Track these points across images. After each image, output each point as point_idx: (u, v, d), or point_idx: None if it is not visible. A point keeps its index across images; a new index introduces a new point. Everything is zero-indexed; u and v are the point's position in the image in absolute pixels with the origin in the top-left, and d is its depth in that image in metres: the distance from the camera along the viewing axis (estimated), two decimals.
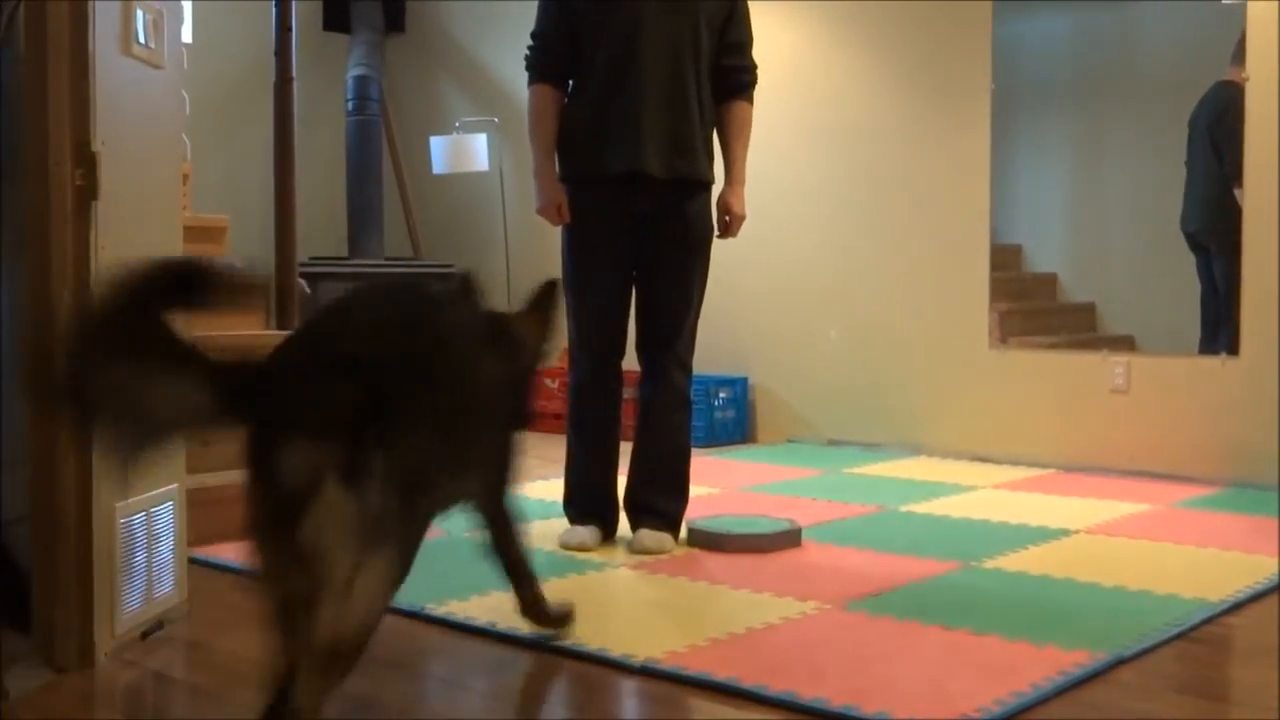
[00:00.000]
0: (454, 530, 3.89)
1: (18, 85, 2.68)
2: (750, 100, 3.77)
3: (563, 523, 3.77)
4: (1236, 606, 3.04)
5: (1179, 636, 2.79)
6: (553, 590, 3.16)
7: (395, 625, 2.90)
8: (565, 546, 3.63)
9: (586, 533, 3.67)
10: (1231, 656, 2.78)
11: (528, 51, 3.74)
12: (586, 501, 3.75)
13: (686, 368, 3.73)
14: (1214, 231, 5.15)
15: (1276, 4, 4.76)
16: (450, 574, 3.35)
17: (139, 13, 2.65)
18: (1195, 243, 5.26)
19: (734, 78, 3.71)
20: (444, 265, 7.02)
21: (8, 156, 2.85)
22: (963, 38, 5.57)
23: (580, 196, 3.66)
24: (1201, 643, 2.78)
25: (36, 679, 2.46)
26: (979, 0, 5.51)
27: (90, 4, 2.48)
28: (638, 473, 3.74)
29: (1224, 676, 2.70)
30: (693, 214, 3.65)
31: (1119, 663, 2.58)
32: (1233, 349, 4.91)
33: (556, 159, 3.68)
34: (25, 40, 2.55)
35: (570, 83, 3.70)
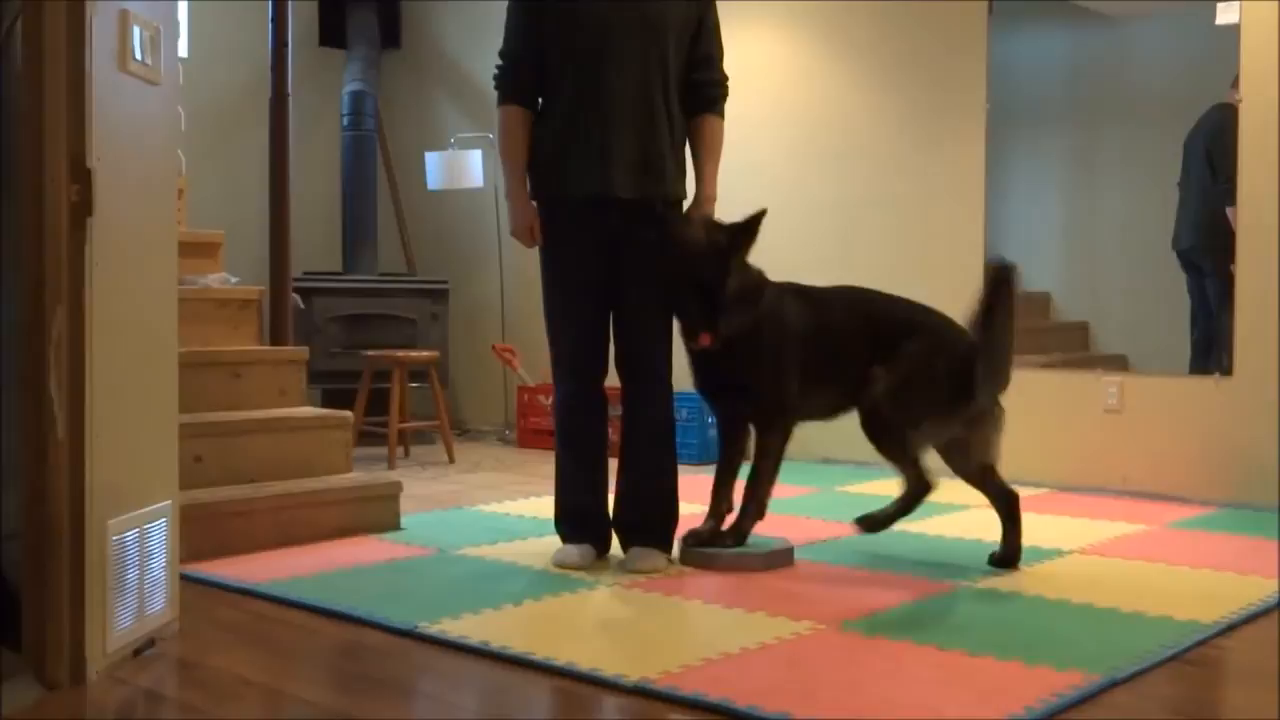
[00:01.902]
0: (446, 548, 3.89)
1: (14, 101, 2.69)
2: (721, 115, 3.73)
3: (555, 541, 3.76)
4: (1231, 628, 3.04)
5: (1173, 658, 2.78)
6: (544, 609, 3.17)
7: (387, 644, 2.90)
8: (557, 565, 3.62)
9: (578, 551, 3.66)
10: (1226, 679, 2.78)
11: (496, 71, 3.71)
12: (577, 520, 3.74)
13: (666, 385, 3.68)
14: (1207, 251, 5.17)
15: (1276, 26, 4.78)
16: (443, 592, 3.35)
17: (136, 29, 2.65)
18: (1188, 261, 5.27)
19: (704, 92, 3.68)
20: (438, 281, 7.02)
21: (3, 172, 2.85)
22: (958, 56, 5.59)
23: (552, 218, 3.64)
24: (1195, 665, 2.78)
25: (28, 696, 2.45)
26: (975, 20, 5.54)
27: (88, 20, 2.48)
28: (625, 492, 3.72)
29: (1218, 699, 2.70)
30: (657, 234, 3.58)
31: (1112, 685, 2.58)
32: (1226, 369, 4.92)
33: (528, 179, 3.66)
34: (22, 56, 2.55)
35: (540, 101, 3.68)
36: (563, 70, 3.57)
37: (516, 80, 3.67)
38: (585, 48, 3.54)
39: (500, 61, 3.71)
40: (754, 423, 3.72)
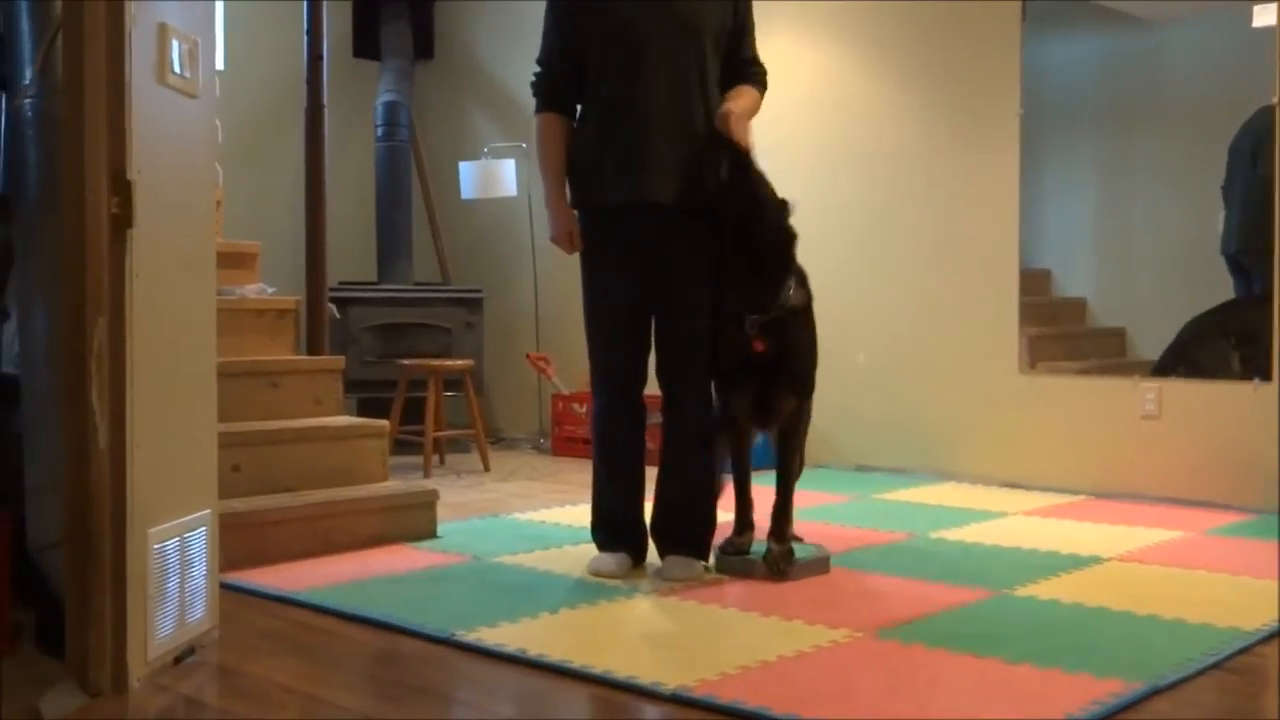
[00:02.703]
0: (482, 556, 3.90)
1: (55, 115, 2.72)
2: (760, 88, 3.72)
3: (591, 549, 3.76)
4: (1273, 635, 3.01)
5: (1214, 666, 2.76)
6: (581, 617, 3.17)
7: (424, 651, 2.91)
8: (593, 573, 3.62)
9: (614, 560, 3.65)
10: (1268, 687, 2.75)
11: (533, 79, 3.72)
12: (614, 529, 3.73)
13: (706, 393, 3.66)
14: (1255, 254, 5.11)
15: None
16: (480, 600, 3.36)
17: (174, 43, 2.67)
18: (1236, 265, 5.21)
19: (744, 70, 3.68)
20: (473, 290, 7.04)
21: (45, 185, 2.89)
22: (991, 62, 5.57)
23: (592, 225, 3.65)
24: (1237, 673, 2.76)
25: (71, 703, 2.47)
26: (1007, 23, 5.51)
27: (127, 34, 2.51)
28: (662, 501, 3.72)
29: (1260, 706, 2.67)
30: (703, 241, 3.58)
31: (1153, 693, 2.56)
32: (1266, 374, 4.87)
33: (567, 187, 3.66)
34: (63, 70, 2.58)
35: (578, 109, 3.67)
36: (600, 77, 3.57)
37: (553, 88, 3.67)
38: (621, 53, 3.54)
39: (537, 69, 3.71)
40: (781, 408, 3.65)
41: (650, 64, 3.52)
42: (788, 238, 3.51)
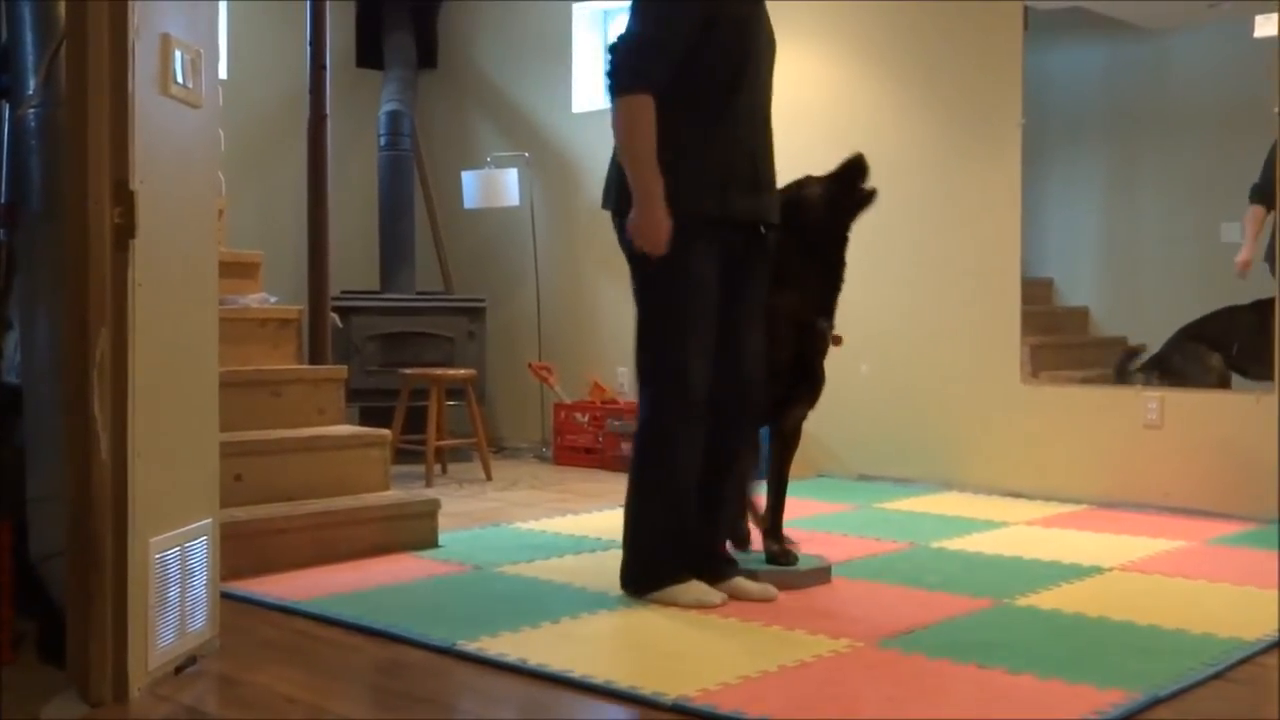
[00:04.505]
0: (484, 565, 3.90)
1: (58, 125, 2.73)
2: None
3: (594, 558, 3.75)
4: (1275, 645, 3.01)
5: (1216, 676, 2.76)
6: (582, 627, 3.17)
7: (427, 661, 2.91)
8: (688, 605, 3.33)
9: (710, 589, 3.40)
10: (1269, 697, 2.75)
11: (627, 54, 3.28)
12: (693, 553, 3.45)
13: (759, 409, 3.57)
14: None
15: None
16: (482, 610, 3.36)
17: (177, 53, 2.68)
18: None
19: None
20: (475, 299, 7.05)
21: (48, 195, 2.89)
22: (993, 71, 5.57)
23: (691, 231, 3.30)
24: (1239, 683, 2.75)
25: (72, 713, 2.48)
26: (1010, 33, 5.52)
27: (130, 45, 2.51)
28: (718, 519, 3.55)
29: (1262, 717, 2.67)
30: (769, 255, 3.50)
31: (1155, 702, 2.56)
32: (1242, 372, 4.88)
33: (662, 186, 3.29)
34: (66, 80, 2.59)
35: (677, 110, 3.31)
36: (728, 85, 3.33)
37: (657, 68, 3.26)
38: (749, 66, 3.37)
39: (632, 44, 3.29)
40: (795, 414, 3.69)
41: (761, 74, 3.42)
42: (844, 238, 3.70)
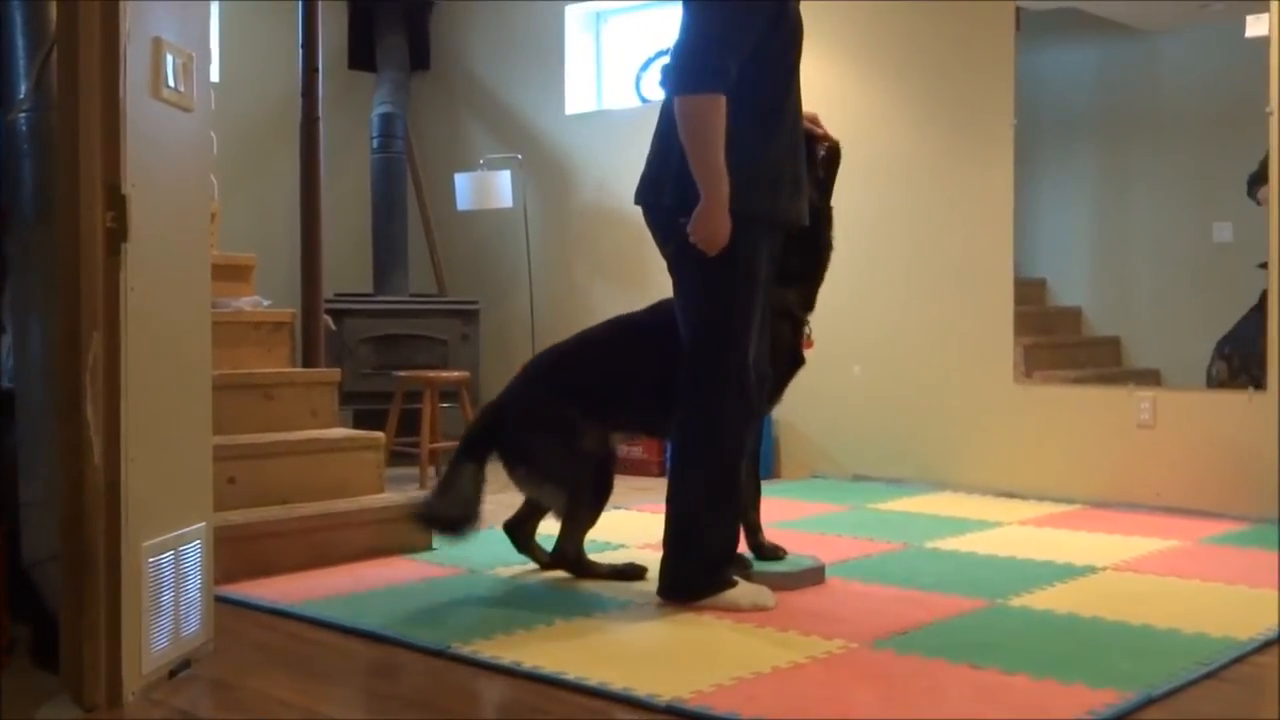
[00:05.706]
0: (478, 568, 3.90)
1: (50, 129, 2.72)
2: None
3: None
4: (1267, 645, 3.01)
5: (1208, 676, 2.76)
6: (576, 629, 3.17)
7: (420, 664, 2.91)
8: (758, 608, 3.32)
9: (764, 589, 3.41)
10: (1262, 697, 2.76)
11: (695, 54, 3.18)
12: (734, 555, 3.49)
13: (763, 407, 3.61)
14: None
15: None
16: (476, 612, 3.36)
17: (169, 57, 2.68)
18: None
19: None
20: (469, 301, 7.05)
21: (40, 199, 2.89)
22: (985, 72, 5.58)
23: (751, 231, 3.27)
24: (1231, 682, 2.76)
25: (66, 717, 2.47)
26: (1001, 35, 5.53)
27: (121, 49, 2.51)
28: (755, 518, 3.68)
29: (1255, 716, 2.68)
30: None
31: (1148, 702, 2.56)
32: (1260, 383, 4.88)
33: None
34: (58, 84, 2.59)
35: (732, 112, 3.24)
36: (784, 84, 3.35)
37: (728, 71, 3.17)
38: (796, 70, 3.38)
39: (702, 43, 3.19)
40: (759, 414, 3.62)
41: (798, 78, 3.41)
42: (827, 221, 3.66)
